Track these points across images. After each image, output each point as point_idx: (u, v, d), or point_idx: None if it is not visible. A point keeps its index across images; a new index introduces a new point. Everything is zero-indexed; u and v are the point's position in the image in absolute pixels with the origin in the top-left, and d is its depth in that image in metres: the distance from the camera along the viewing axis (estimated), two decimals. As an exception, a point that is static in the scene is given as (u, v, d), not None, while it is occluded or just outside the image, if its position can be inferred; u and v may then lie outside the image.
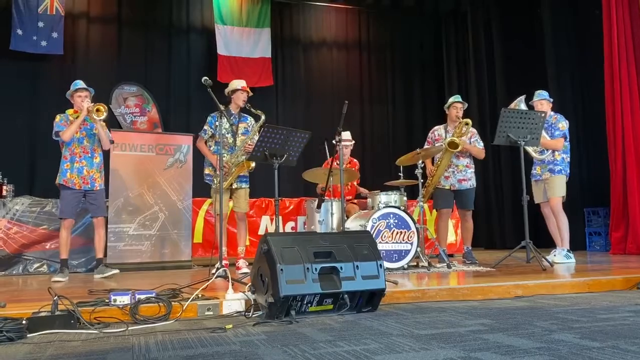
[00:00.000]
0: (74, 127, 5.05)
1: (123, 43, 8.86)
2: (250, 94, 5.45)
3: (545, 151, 5.57)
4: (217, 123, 5.27)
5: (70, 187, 5.05)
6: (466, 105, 6.01)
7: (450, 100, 6.00)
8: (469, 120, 5.77)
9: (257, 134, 5.18)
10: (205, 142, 5.44)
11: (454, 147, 5.63)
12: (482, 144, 5.96)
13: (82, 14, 8.63)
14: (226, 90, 5.48)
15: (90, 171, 5.13)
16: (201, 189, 6.67)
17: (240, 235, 5.49)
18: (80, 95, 5.14)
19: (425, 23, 10.57)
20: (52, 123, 5.13)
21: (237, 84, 5.43)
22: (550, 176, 5.52)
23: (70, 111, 5.24)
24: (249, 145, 5.13)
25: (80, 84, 5.21)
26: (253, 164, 5.18)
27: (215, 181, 5.30)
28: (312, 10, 10.05)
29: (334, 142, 4.88)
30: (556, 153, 5.53)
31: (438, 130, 6.05)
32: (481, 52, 9.54)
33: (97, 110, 5.03)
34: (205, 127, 5.43)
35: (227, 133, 5.30)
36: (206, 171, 5.44)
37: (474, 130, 5.94)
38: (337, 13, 10.22)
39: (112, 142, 5.40)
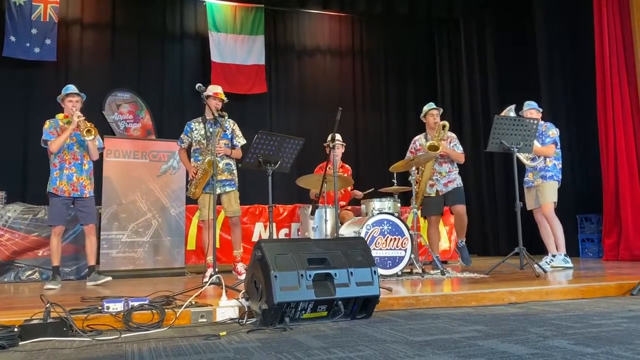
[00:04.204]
0: (62, 138, 4.98)
1: (116, 50, 8.84)
2: (225, 101, 5.29)
3: (537, 158, 5.62)
4: (194, 128, 5.20)
5: (59, 195, 5.02)
6: (441, 110, 6.06)
7: (425, 108, 6.04)
8: (446, 123, 5.81)
9: (225, 132, 5.16)
10: (188, 151, 5.38)
11: (435, 149, 5.64)
12: (461, 148, 5.99)
13: (76, 20, 8.61)
14: (203, 95, 5.12)
15: (80, 178, 5.10)
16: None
17: (236, 238, 5.34)
18: (72, 100, 5.07)
19: (418, 30, 10.62)
20: (42, 130, 5.08)
21: (210, 89, 5.27)
22: (541, 182, 5.56)
23: (60, 116, 5.18)
24: (219, 147, 5.05)
25: (72, 88, 5.14)
26: (220, 165, 5.05)
27: (191, 189, 5.22)
28: (305, 17, 10.07)
29: (325, 144, 4.87)
30: (547, 159, 5.58)
31: (419, 140, 6.09)
32: (474, 59, 9.59)
33: (87, 131, 4.91)
34: (182, 136, 5.33)
35: (202, 139, 5.18)
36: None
37: (453, 135, 5.97)
38: (331, 20, 10.25)
39: (102, 149, 5.37)
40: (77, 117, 4.96)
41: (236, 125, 5.39)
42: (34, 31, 8.00)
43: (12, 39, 7.90)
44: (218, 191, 5.15)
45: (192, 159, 5.27)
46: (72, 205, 5.16)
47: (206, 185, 5.07)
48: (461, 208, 5.89)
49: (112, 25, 8.87)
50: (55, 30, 8.15)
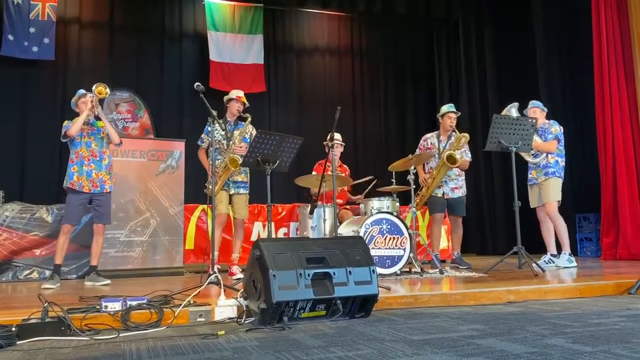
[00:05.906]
0: (81, 119, 5.04)
1: (115, 49, 8.82)
2: (247, 104, 5.54)
3: (539, 154, 5.60)
4: (210, 129, 5.30)
5: (77, 190, 5.03)
6: (459, 114, 6.07)
7: (444, 109, 6.04)
8: (467, 135, 5.85)
9: (245, 135, 5.41)
10: (207, 151, 5.47)
11: (453, 162, 5.67)
12: (469, 155, 6.04)
13: (74, 19, 8.58)
14: (225, 98, 5.61)
15: (99, 174, 5.14)
16: (193, 195, 6.66)
17: (236, 241, 5.54)
18: (85, 101, 5.17)
19: (417, 30, 10.61)
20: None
21: (233, 93, 5.57)
22: (544, 179, 5.55)
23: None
24: (238, 148, 5.29)
25: (83, 91, 5.26)
26: (240, 166, 5.19)
27: (209, 186, 5.33)
28: (304, 16, 10.06)
29: (324, 143, 4.89)
30: (549, 156, 5.57)
31: (430, 138, 6.11)
32: (472, 59, 9.57)
33: (99, 92, 5.03)
34: (202, 136, 5.56)
35: (223, 139, 5.37)
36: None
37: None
38: (330, 20, 10.24)
39: (120, 144, 5.43)
40: (90, 97, 5.08)
41: (255, 130, 5.51)
42: (32, 30, 7.99)
43: (10, 37, 7.88)
44: (232, 192, 5.41)
45: (209, 158, 5.40)
46: (88, 205, 5.18)
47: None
48: (461, 219, 6.05)
49: (110, 24, 8.85)
50: (53, 29, 8.14)
